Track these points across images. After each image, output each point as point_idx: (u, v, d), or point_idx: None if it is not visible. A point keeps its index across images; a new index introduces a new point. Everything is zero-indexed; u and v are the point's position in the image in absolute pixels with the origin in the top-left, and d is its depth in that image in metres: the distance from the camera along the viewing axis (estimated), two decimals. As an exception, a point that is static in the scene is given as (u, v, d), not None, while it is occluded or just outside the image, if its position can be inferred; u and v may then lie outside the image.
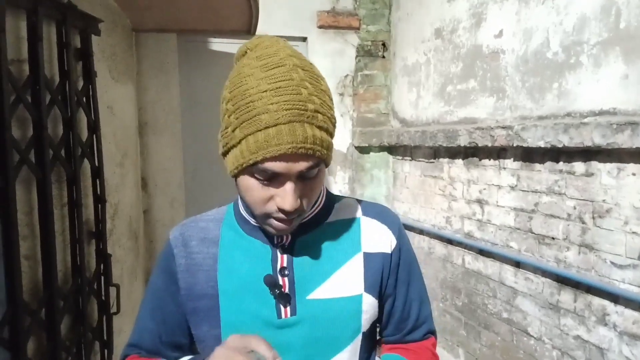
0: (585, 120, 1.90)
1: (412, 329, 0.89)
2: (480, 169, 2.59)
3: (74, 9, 1.73)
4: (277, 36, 0.78)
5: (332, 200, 0.89)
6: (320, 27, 3.47)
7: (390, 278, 0.85)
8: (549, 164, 2.12)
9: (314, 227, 0.84)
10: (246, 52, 0.76)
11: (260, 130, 0.67)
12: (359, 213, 0.88)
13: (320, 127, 0.70)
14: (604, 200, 1.86)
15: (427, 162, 3.12)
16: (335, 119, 0.76)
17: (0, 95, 1.30)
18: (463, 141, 2.59)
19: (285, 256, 0.81)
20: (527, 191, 2.26)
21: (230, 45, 3.22)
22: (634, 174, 1.74)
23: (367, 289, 0.82)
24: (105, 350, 1.99)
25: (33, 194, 1.51)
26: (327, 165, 0.76)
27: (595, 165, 1.89)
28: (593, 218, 1.91)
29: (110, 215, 2.15)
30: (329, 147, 0.73)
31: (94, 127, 1.94)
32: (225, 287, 0.80)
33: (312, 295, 0.79)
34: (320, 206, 0.86)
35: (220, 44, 3.25)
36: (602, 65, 1.88)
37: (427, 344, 0.91)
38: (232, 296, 0.79)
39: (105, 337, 1.99)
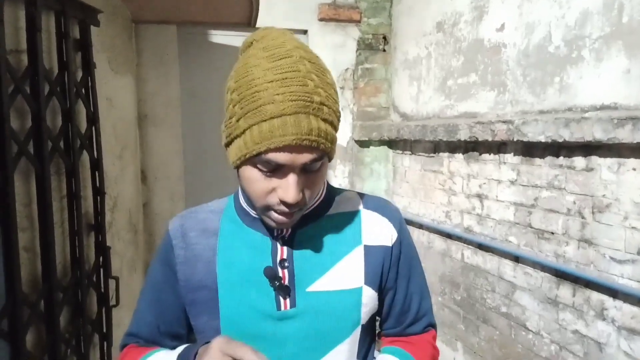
0: (586, 115, 1.89)
1: (412, 322, 0.90)
2: (480, 163, 2.59)
3: (73, -1, 1.72)
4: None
5: (332, 193, 0.89)
6: (321, 19, 3.45)
7: (391, 271, 0.85)
8: (549, 158, 2.12)
9: (315, 220, 0.84)
10: (252, 43, 0.75)
11: (265, 121, 0.66)
12: (359, 206, 0.88)
13: (325, 120, 0.69)
14: (603, 195, 1.86)
15: (427, 157, 3.11)
16: (340, 113, 0.75)
17: (-1, 86, 1.29)
18: (463, 135, 2.58)
19: (285, 248, 0.81)
20: (527, 186, 2.25)
21: (230, 37, 3.20)
22: (634, 169, 1.74)
23: (367, 282, 0.82)
24: (105, 343, 1.99)
25: (32, 185, 1.51)
26: (330, 159, 0.75)
27: (596, 160, 1.89)
28: (593, 213, 1.91)
29: (109, 207, 2.15)
30: (333, 141, 0.72)
31: (93, 119, 1.94)
32: (225, 279, 0.79)
33: (312, 288, 0.79)
34: (321, 199, 0.85)
35: (220, 36, 3.24)
36: (604, 60, 1.87)
37: (428, 337, 0.91)
38: (232, 288, 0.79)
39: (104, 330, 1.99)
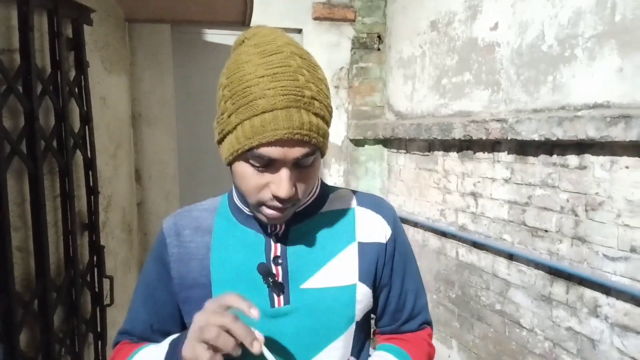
0: (579, 113, 1.90)
1: (407, 320, 0.90)
2: (475, 162, 2.60)
3: (65, -3, 1.71)
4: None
5: (326, 190, 0.89)
6: (315, 18, 3.45)
7: (385, 268, 0.85)
8: (542, 157, 2.13)
9: (308, 217, 0.84)
10: (244, 41, 0.75)
11: (256, 115, 0.66)
12: (353, 203, 0.88)
13: (316, 114, 0.69)
14: (596, 193, 1.87)
15: (421, 155, 3.12)
16: (331, 108, 0.75)
17: (-9, 84, 1.28)
18: (458, 134, 2.59)
19: (278, 245, 0.81)
20: (521, 184, 2.27)
21: (225, 36, 3.20)
22: (627, 167, 1.75)
23: (362, 279, 0.82)
24: (99, 342, 1.98)
25: (25, 185, 1.50)
26: (322, 154, 0.75)
27: (589, 158, 1.90)
28: (586, 211, 1.92)
29: (103, 207, 2.14)
30: (325, 135, 0.72)
31: (87, 118, 1.93)
32: (218, 276, 0.79)
33: (306, 285, 0.79)
34: (314, 196, 0.85)
35: (215, 35, 3.23)
36: (597, 59, 1.88)
37: (423, 334, 0.91)
38: (225, 285, 0.79)
39: (98, 329, 1.99)
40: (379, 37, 3.60)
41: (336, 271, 0.81)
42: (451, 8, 2.80)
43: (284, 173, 0.69)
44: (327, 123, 0.73)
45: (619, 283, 1.78)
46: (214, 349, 0.62)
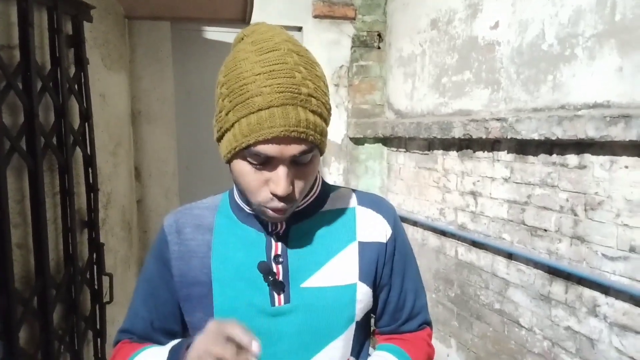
0: (579, 112, 1.90)
1: (407, 319, 0.90)
2: (474, 161, 2.60)
3: (65, -6, 1.71)
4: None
5: (327, 189, 0.89)
6: (315, 16, 3.44)
7: (385, 268, 0.85)
8: (542, 156, 2.13)
9: (309, 216, 0.84)
10: (243, 39, 0.75)
11: (253, 113, 0.66)
12: (354, 202, 0.88)
13: (314, 112, 0.69)
14: (596, 193, 1.87)
15: (421, 154, 3.12)
16: (330, 105, 0.75)
17: (-9, 81, 1.28)
18: (457, 133, 2.59)
19: (279, 244, 0.81)
20: (521, 183, 2.27)
21: (225, 34, 3.19)
22: (626, 167, 1.75)
23: (362, 278, 0.82)
24: (98, 340, 1.98)
25: (24, 182, 1.50)
26: (321, 152, 0.75)
27: (588, 157, 1.90)
28: (585, 210, 1.92)
29: (103, 204, 2.14)
30: (322, 133, 0.72)
31: (86, 115, 1.92)
32: (219, 274, 0.79)
33: (306, 284, 0.79)
34: (315, 195, 0.85)
35: (215, 33, 3.22)
36: (597, 58, 1.88)
37: (423, 334, 0.91)
38: (226, 283, 0.79)
39: (98, 327, 1.99)
40: (379, 35, 3.60)
41: (336, 270, 0.81)
42: (451, 6, 2.79)
43: (282, 171, 0.69)
44: (325, 120, 0.73)
45: (618, 283, 1.78)
46: None
